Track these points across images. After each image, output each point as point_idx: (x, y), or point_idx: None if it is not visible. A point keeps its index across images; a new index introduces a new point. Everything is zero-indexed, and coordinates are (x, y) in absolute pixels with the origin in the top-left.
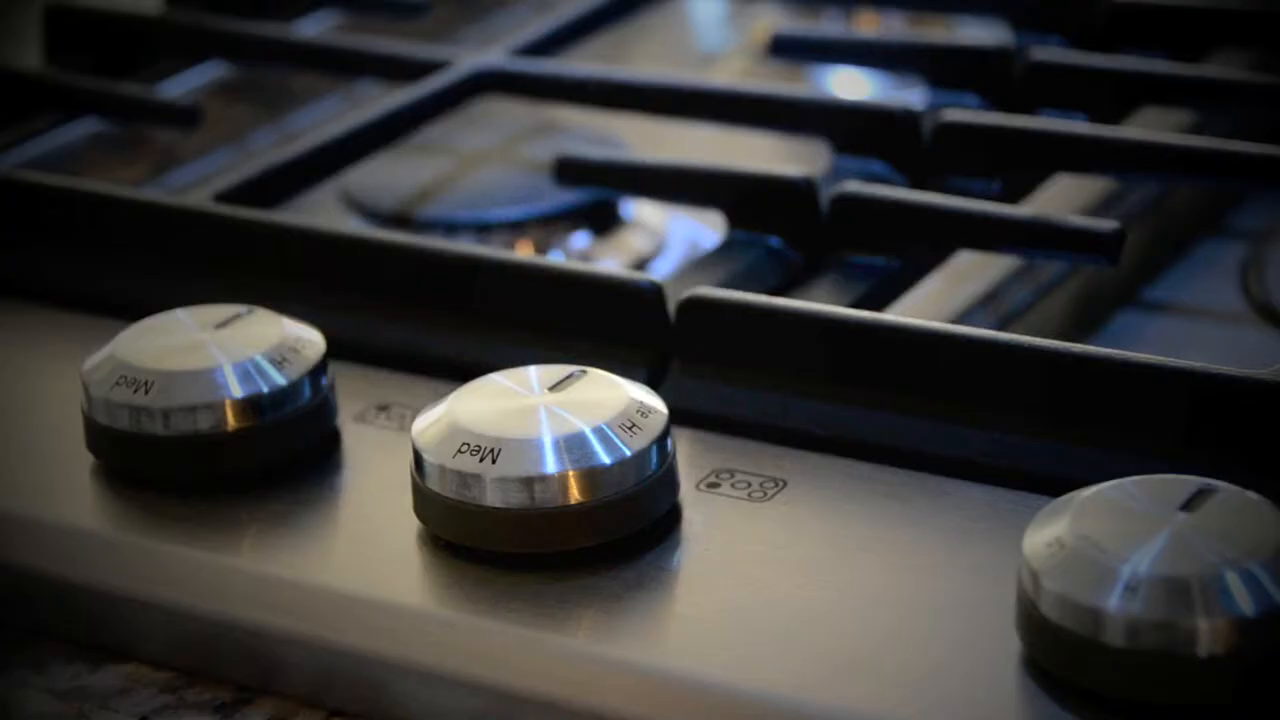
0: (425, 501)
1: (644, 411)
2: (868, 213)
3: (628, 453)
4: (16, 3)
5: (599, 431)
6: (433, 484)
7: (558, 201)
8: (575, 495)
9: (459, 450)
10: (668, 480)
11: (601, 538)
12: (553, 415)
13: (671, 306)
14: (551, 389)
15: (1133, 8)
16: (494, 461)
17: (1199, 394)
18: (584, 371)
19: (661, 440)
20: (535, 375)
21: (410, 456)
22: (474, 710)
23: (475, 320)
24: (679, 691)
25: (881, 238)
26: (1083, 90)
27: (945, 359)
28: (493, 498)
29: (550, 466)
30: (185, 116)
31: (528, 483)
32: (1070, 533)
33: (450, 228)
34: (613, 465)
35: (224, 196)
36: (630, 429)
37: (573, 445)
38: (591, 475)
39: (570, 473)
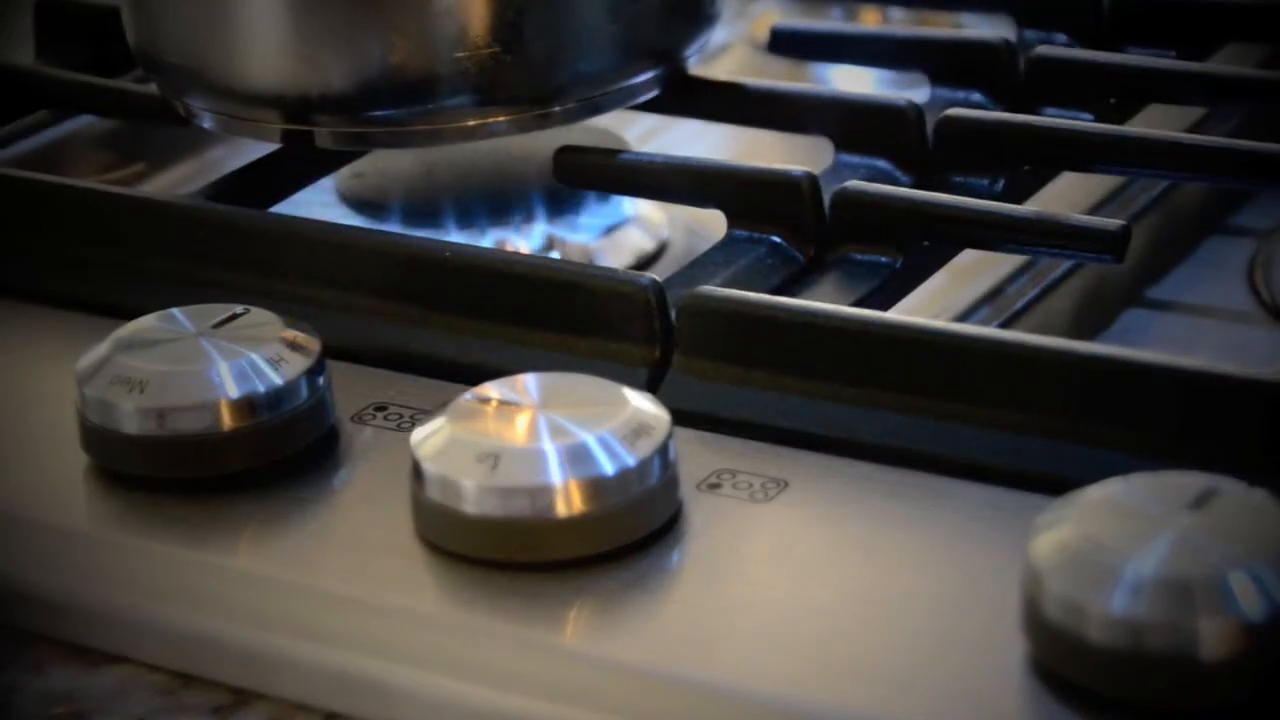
0: (425, 513)
1: (646, 419)
2: (870, 211)
3: (630, 462)
4: None
5: (601, 440)
6: (433, 494)
7: (559, 202)
8: (577, 505)
9: (457, 460)
10: (669, 488)
11: (603, 546)
12: (553, 424)
13: (672, 306)
14: (551, 397)
15: (1138, 4)
16: (494, 470)
17: (1205, 394)
18: (583, 378)
19: (664, 448)
20: (534, 383)
21: (409, 465)
22: (473, 711)
23: (474, 320)
24: (679, 691)
25: (884, 236)
26: (1088, 87)
27: (949, 359)
28: (493, 508)
29: (552, 476)
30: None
31: (529, 492)
32: (1074, 533)
33: (448, 227)
34: (615, 475)
35: (220, 194)
36: (632, 437)
37: (574, 454)
38: (593, 485)
39: (572, 482)
